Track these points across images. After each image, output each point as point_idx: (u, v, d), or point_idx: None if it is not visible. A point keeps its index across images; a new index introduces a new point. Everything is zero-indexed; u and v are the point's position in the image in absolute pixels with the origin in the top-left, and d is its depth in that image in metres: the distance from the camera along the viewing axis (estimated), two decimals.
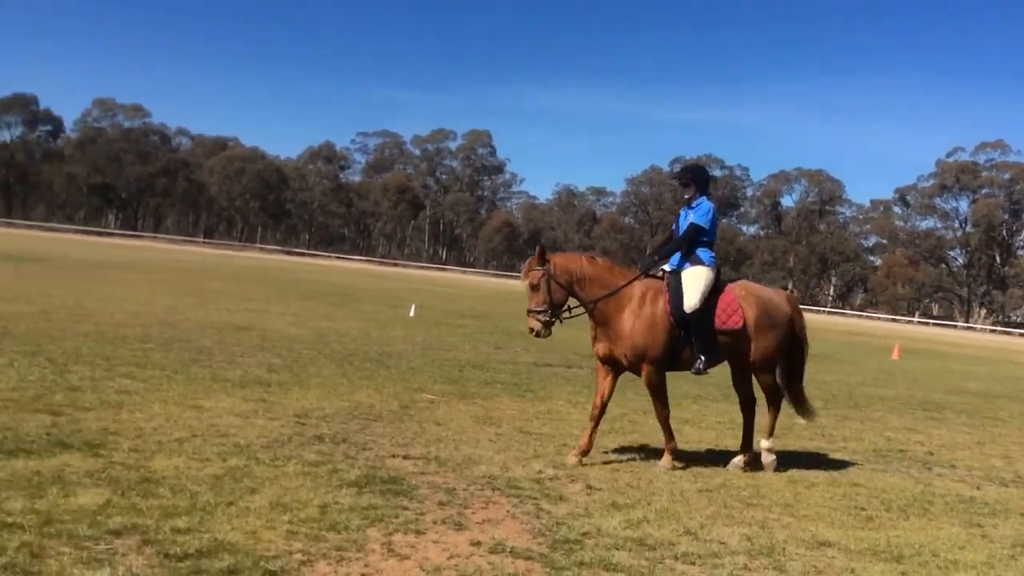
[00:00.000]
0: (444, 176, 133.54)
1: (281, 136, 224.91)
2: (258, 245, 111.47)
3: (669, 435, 7.75)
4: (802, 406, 8.46)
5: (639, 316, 7.55)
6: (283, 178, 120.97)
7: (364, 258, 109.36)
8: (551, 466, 7.27)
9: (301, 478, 6.01)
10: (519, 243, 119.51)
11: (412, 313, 23.53)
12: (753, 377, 8.15)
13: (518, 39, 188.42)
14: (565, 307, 7.72)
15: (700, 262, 7.75)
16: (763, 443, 8.09)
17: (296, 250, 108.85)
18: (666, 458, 7.67)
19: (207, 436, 6.97)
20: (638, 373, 7.70)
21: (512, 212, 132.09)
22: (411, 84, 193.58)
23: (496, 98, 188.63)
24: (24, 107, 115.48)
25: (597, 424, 7.69)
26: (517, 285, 9.67)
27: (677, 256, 7.82)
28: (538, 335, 7.65)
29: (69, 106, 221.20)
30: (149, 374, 9.58)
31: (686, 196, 7.99)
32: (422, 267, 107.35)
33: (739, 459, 7.98)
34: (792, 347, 8.24)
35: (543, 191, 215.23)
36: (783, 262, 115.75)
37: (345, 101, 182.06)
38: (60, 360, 9.90)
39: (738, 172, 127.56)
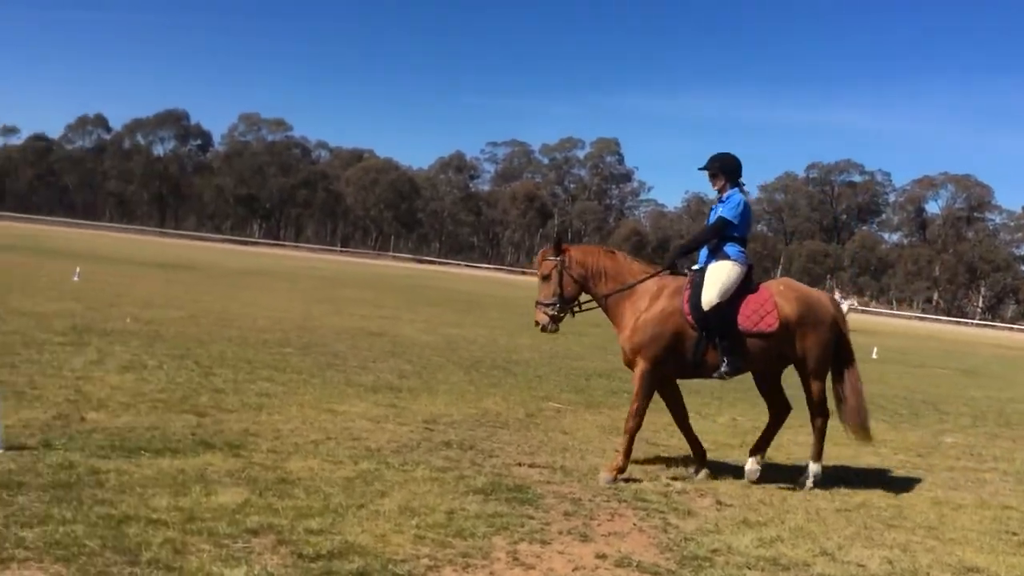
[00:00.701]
0: (572, 185, 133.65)
1: (413, 147, 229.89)
2: (391, 253, 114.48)
3: (627, 451, 6.97)
4: (854, 422, 7.54)
5: (649, 310, 7.07)
6: (415, 188, 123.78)
7: (493, 266, 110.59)
8: (679, 479, 7.12)
9: (429, 483, 6.08)
10: (647, 252, 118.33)
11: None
12: (810, 385, 7.34)
13: (647, 45, 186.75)
14: (576, 302, 7.39)
15: (726, 257, 7.17)
16: (811, 466, 7.37)
17: (427, 258, 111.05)
18: (605, 474, 6.84)
19: (340, 439, 7.16)
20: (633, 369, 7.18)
21: (640, 220, 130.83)
22: (540, 93, 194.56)
23: (624, 106, 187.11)
24: (176, 122, 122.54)
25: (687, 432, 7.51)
26: None
27: (704, 253, 7.35)
28: (544, 329, 7.28)
29: (218, 121, 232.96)
30: (287, 378, 9.94)
31: (716, 188, 7.48)
32: None
33: (753, 461, 7.33)
34: (839, 351, 7.52)
35: (672, 199, 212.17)
36: (928, 272, 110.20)
37: (475, 112, 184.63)
38: (206, 363, 10.39)
39: (879, 178, 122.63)
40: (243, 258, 56.82)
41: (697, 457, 7.39)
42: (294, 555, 4.45)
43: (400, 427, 7.99)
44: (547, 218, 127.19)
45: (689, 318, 7.00)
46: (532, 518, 5.56)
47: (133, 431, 6.64)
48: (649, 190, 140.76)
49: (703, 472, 7.28)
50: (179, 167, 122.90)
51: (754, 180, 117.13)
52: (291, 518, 4.97)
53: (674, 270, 7.41)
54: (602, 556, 4.99)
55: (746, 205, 7.36)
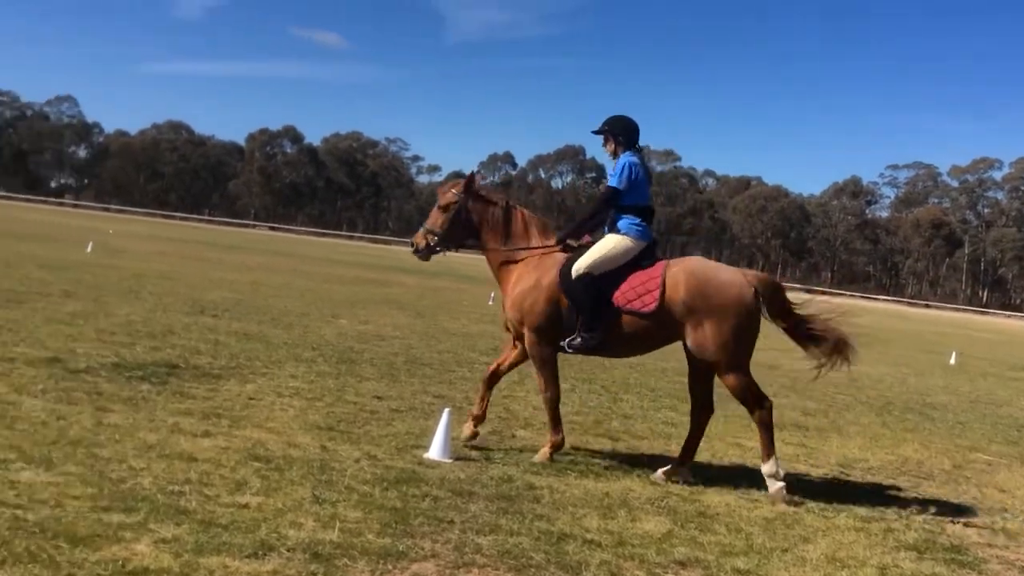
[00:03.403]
0: (987, 210, 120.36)
1: (804, 173, 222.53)
2: None
3: (555, 424, 6.71)
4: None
5: (526, 277, 6.78)
6: (805, 215, 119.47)
7: (891, 298, 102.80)
8: None
9: (854, 533, 5.75)
10: None
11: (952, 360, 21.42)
12: (723, 380, 6.55)
13: None
14: (457, 245, 7.19)
15: (616, 230, 6.69)
16: (762, 468, 6.49)
17: (816, 288, 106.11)
18: (544, 451, 6.68)
19: (753, 476, 7.03)
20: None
21: None
22: (946, 110, 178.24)
23: None
24: (574, 157, 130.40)
25: (487, 390, 7.14)
26: None
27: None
28: (417, 252, 7.11)
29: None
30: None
31: (608, 152, 6.94)
32: (959, 309, 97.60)
33: (660, 472, 6.60)
34: (789, 330, 6.78)
35: None
36: None
37: (872, 134, 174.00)
38: (612, 389, 10.82)
39: None
40: None
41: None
42: None
43: (812, 469, 7.68)
44: (956, 247, 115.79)
45: (558, 286, 6.61)
46: None
47: (559, 452, 7.05)
48: None
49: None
50: (575, 199, 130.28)
51: None
52: (716, 554, 4.96)
53: (566, 248, 6.88)
54: None
55: (632, 168, 6.71)
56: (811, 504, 6.34)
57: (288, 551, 4.18)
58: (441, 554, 4.43)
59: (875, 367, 18.01)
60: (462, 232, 7.11)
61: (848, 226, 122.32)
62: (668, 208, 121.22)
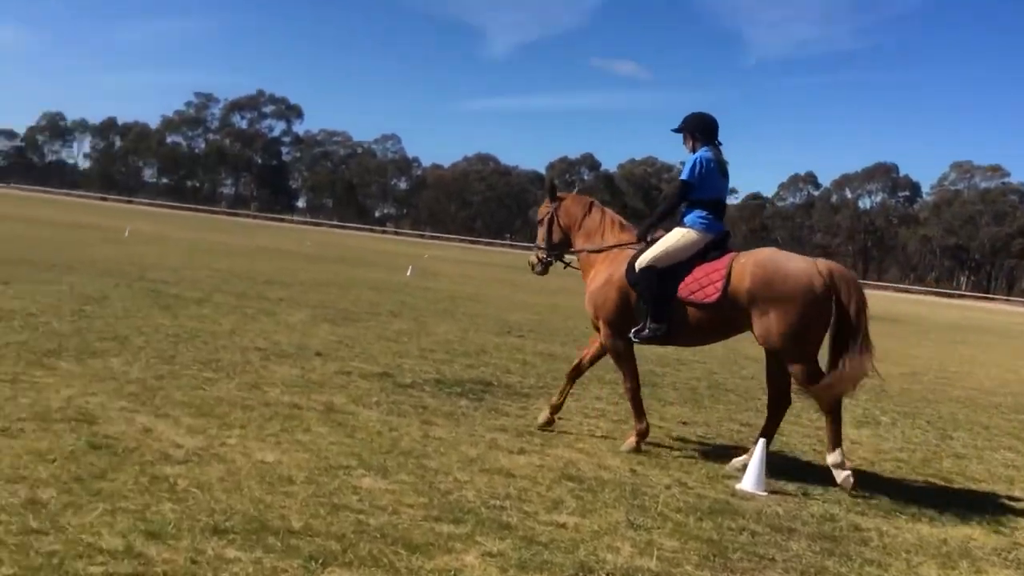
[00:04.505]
0: None
1: None
2: None
3: (639, 413, 6.95)
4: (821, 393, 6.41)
5: (601, 273, 7.13)
6: None
7: None
8: None
9: None
10: None
11: None
12: (786, 368, 6.54)
13: None
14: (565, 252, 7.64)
15: (681, 224, 6.86)
16: (828, 458, 6.53)
17: None
18: (631, 440, 6.90)
19: None
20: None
21: None
22: None
23: None
24: (885, 175, 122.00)
25: (570, 384, 7.46)
26: None
27: None
28: (533, 269, 7.76)
29: (926, 171, 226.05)
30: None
31: (688, 151, 7.05)
32: None
33: (738, 460, 6.66)
34: (840, 330, 6.37)
35: None
36: None
37: None
38: (939, 425, 9.88)
39: None
40: (949, 312, 53.61)
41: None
42: None
43: None
44: None
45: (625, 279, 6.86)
46: None
47: (882, 490, 6.52)
48: None
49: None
50: (885, 219, 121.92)
51: None
52: None
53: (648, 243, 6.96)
54: None
55: (703, 163, 6.81)
56: None
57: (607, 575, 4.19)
58: None
59: None
60: (561, 238, 7.60)
61: None
62: (994, 228, 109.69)
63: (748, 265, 6.46)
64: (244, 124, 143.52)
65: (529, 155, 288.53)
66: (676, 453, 6.99)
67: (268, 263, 22.95)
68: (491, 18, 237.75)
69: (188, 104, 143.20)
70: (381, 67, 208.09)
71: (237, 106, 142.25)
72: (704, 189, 6.83)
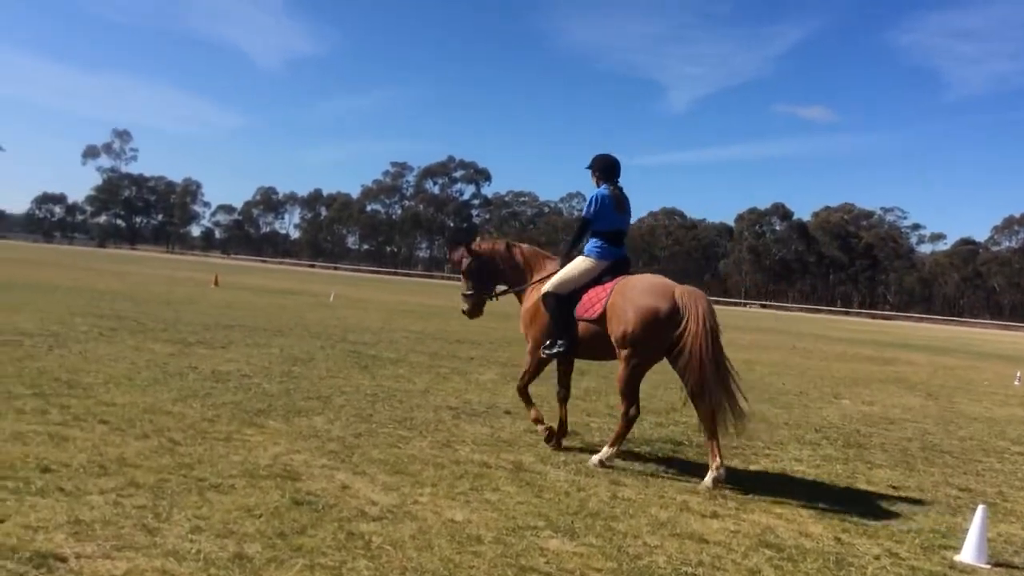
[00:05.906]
0: None
1: None
2: None
3: (528, 404, 8.31)
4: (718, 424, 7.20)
5: (529, 298, 8.17)
6: None
7: None
8: None
9: None
10: None
11: None
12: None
13: None
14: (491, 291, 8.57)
15: (580, 252, 7.83)
16: (593, 458, 7.42)
17: None
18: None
19: None
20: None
21: None
22: None
23: None
24: None
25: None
26: None
27: None
28: (464, 313, 8.66)
29: None
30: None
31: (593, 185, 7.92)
32: None
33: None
34: (682, 350, 7.04)
35: None
36: None
37: None
38: None
39: None
40: None
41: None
42: None
43: None
44: None
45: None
46: None
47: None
48: None
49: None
50: None
51: None
52: None
53: None
54: None
55: (599, 200, 7.67)
56: None
57: None
58: None
59: None
60: (487, 280, 8.51)
61: None
62: None
63: (626, 283, 7.42)
64: (436, 189, 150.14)
65: (716, 208, 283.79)
66: (886, 520, 6.49)
67: (460, 323, 23.56)
68: (670, 73, 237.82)
69: (385, 173, 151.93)
70: (563, 127, 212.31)
71: (429, 172, 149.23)
72: (600, 222, 7.75)
